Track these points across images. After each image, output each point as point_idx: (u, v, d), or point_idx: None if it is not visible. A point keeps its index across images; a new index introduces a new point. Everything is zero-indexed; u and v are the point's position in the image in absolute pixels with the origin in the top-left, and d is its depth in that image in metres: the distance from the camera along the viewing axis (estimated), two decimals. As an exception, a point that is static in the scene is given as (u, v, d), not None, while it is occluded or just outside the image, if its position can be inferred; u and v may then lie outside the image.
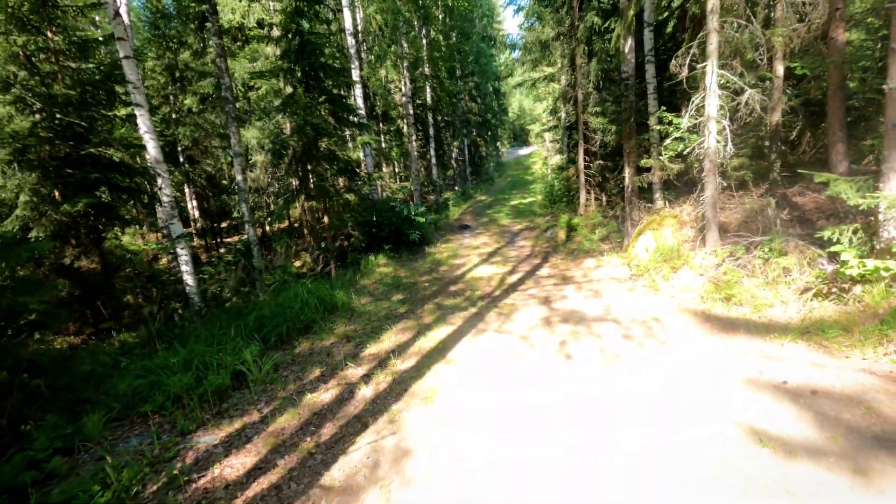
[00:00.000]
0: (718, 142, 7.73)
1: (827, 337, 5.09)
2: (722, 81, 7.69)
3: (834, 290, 5.74)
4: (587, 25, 13.17)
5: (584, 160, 14.50)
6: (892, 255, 5.21)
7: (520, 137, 58.13)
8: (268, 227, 19.29)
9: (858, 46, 10.09)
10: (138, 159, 13.41)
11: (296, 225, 18.46)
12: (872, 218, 5.66)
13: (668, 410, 4.18)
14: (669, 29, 13.43)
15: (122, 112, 12.79)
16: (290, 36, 10.88)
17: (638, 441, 3.77)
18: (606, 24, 12.63)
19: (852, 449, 3.39)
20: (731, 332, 5.78)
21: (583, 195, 14.81)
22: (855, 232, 5.64)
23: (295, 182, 15.81)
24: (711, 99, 7.50)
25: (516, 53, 22.53)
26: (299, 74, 11.24)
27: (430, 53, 21.76)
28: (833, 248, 5.70)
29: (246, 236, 12.20)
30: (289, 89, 13.38)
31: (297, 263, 13.04)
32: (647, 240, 9.25)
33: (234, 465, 3.86)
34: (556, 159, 22.06)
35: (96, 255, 9.64)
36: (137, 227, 16.60)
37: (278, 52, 15.12)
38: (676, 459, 3.50)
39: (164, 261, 15.94)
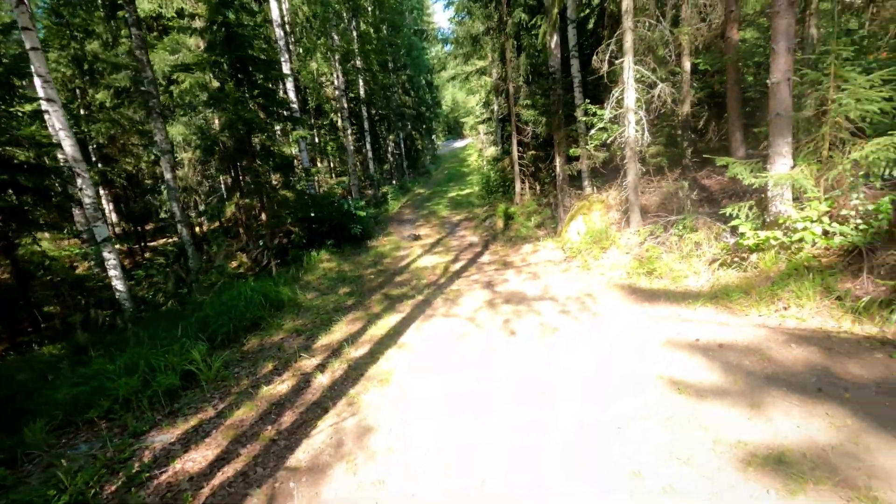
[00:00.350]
0: (637, 131, 8.47)
1: (731, 300, 5.85)
2: (638, 76, 8.41)
3: (736, 259, 6.58)
4: (515, 21, 13.70)
5: (518, 151, 15.11)
6: (779, 226, 6.07)
7: (454, 130, 58.72)
8: (198, 229, 18.42)
9: (752, 44, 11.32)
10: (46, 160, 12.36)
11: (228, 224, 17.78)
12: (763, 195, 6.52)
13: (601, 370, 4.68)
14: (591, 26, 14.30)
15: (28, 108, 11.74)
16: (215, 27, 10.49)
17: (575, 407, 4.21)
18: (533, 21, 13.20)
19: (749, 388, 4.02)
20: (654, 301, 6.46)
21: (518, 185, 15.44)
22: (750, 208, 6.48)
23: (228, 179, 15.21)
24: (629, 92, 8.19)
25: (448, 47, 22.84)
26: (227, 67, 10.88)
27: (361, 46, 21.55)
28: (733, 223, 6.51)
29: (178, 238, 11.68)
30: (215, 83, 12.86)
31: (234, 264, 12.66)
32: (578, 224, 9.93)
33: (196, 459, 3.89)
34: (491, 151, 22.69)
35: (7, 264, 8.88)
36: (54, 231, 15.26)
37: (202, 45, 14.45)
38: (608, 407, 3.97)
39: (82, 267, 14.82)
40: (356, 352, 5.89)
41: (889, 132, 5.11)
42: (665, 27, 8.56)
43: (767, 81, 6.15)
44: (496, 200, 17.01)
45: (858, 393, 3.78)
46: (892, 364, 4.09)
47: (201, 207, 18.46)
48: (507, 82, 14.82)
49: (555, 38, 11.59)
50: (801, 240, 5.78)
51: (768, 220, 6.30)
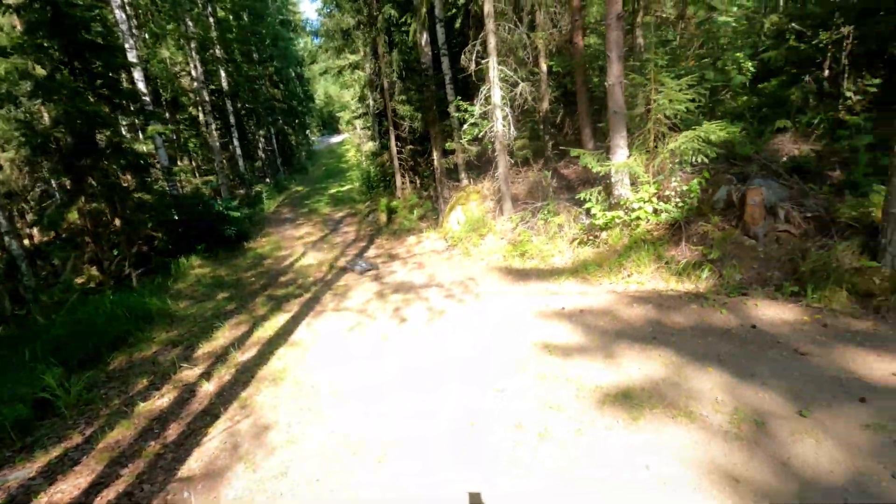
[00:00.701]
0: (504, 126, 9.22)
1: (588, 272, 6.77)
2: (502, 75, 9.14)
3: (591, 237, 7.59)
4: (385, 17, 13.85)
5: (396, 146, 15.36)
6: (621, 206, 7.16)
7: (330, 125, 56.93)
8: (27, 241, 15.66)
9: (596, 49, 12.88)
10: None
11: (70, 233, 15.38)
12: (608, 181, 7.61)
13: (484, 344, 5.17)
14: (459, 25, 15.01)
15: None
16: (37, 5, 9.05)
17: (463, 378, 4.62)
18: (403, 18, 13.49)
19: (604, 343, 4.78)
20: (527, 279, 7.20)
21: (398, 179, 15.71)
22: (599, 192, 7.53)
23: (67, 182, 13.18)
24: (495, 90, 8.89)
25: (318, 40, 22.19)
26: (58, 53, 9.47)
27: (220, 34, 19.99)
28: (586, 206, 7.51)
29: (5, 251, 9.89)
30: (41, 70, 11.07)
31: (81, 279, 11.10)
32: (457, 214, 10.52)
33: (66, 490, 3.51)
34: (370, 146, 22.60)
35: None
36: None
37: (19, 25, 12.31)
38: (492, 373, 4.43)
39: None
40: (244, 356, 5.68)
41: (693, 127, 6.34)
42: (523, 31, 9.42)
43: (605, 83, 7.18)
44: (378, 195, 17.10)
45: (680, 336, 4.72)
46: (703, 312, 5.16)
47: (29, 217, 15.78)
48: (381, 77, 14.94)
49: (424, 35, 12.01)
50: (637, 218, 6.89)
51: (613, 202, 7.39)
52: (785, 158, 6.88)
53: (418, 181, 15.98)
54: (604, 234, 7.37)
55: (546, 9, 10.83)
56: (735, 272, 5.72)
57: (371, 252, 11.13)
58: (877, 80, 6.46)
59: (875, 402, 3.39)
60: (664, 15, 11.40)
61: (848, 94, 6.77)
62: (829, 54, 7.67)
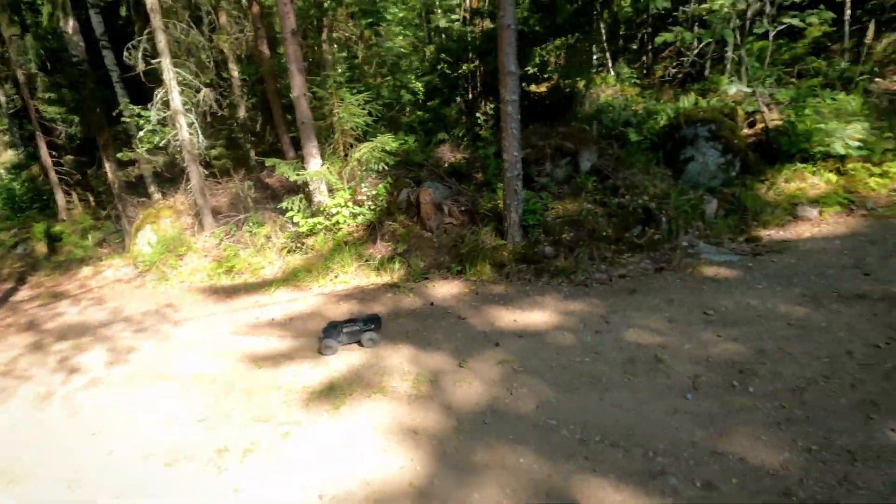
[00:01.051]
0: (191, 134, 8.45)
1: (299, 279, 6.93)
2: (180, 78, 8.32)
3: (298, 245, 7.76)
4: (7, -10, 10.71)
5: (52, 155, 12.11)
6: (322, 213, 7.57)
7: (-65, 126, 40.36)
8: None
9: (285, 60, 13.00)
10: None
11: None
12: (307, 189, 7.91)
13: (184, 368, 4.73)
14: (125, 13, 12.76)
15: None
16: None
17: (156, 411, 4.14)
18: (35, -3, 10.71)
19: (312, 345, 5.02)
20: (236, 295, 6.87)
21: (61, 197, 12.46)
22: (301, 200, 7.75)
23: None
24: (174, 94, 8.05)
25: None
26: None
27: None
28: (289, 214, 7.65)
29: None
30: None
31: None
32: (147, 234, 9.09)
33: None
34: (10, 156, 17.19)
35: None
36: None
37: None
38: (196, 401, 4.12)
39: None
40: None
41: (371, 139, 7.21)
42: (198, 33, 8.77)
43: (292, 95, 7.41)
44: (30, 219, 13.20)
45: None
46: (396, 298, 6.00)
47: None
48: (12, 67, 11.52)
49: (72, 21, 9.86)
50: (337, 222, 7.42)
51: (314, 209, 7.73)
52: (446, 164, 8.52)
53: (92, 198, 13.05)
54: (310, 241, 7.64)
55: (227, 12, 10.34)
56: (419, 261, 6.81)
57: (24, 293, 8.61)
58: (493, 105, 8.67)
59: (504, 344, 4.63)
60: (346, 34, 12.40)
61: (478, 114, 8.86)
62: (469, 82, 9.86)
